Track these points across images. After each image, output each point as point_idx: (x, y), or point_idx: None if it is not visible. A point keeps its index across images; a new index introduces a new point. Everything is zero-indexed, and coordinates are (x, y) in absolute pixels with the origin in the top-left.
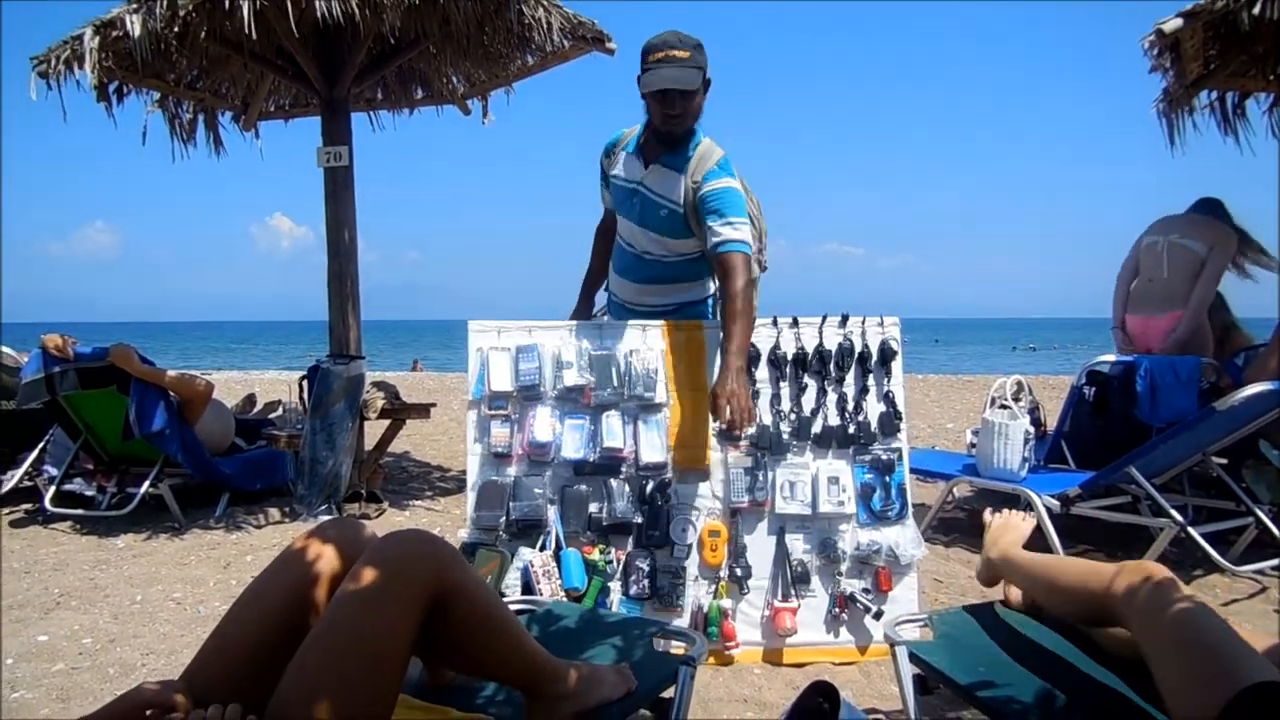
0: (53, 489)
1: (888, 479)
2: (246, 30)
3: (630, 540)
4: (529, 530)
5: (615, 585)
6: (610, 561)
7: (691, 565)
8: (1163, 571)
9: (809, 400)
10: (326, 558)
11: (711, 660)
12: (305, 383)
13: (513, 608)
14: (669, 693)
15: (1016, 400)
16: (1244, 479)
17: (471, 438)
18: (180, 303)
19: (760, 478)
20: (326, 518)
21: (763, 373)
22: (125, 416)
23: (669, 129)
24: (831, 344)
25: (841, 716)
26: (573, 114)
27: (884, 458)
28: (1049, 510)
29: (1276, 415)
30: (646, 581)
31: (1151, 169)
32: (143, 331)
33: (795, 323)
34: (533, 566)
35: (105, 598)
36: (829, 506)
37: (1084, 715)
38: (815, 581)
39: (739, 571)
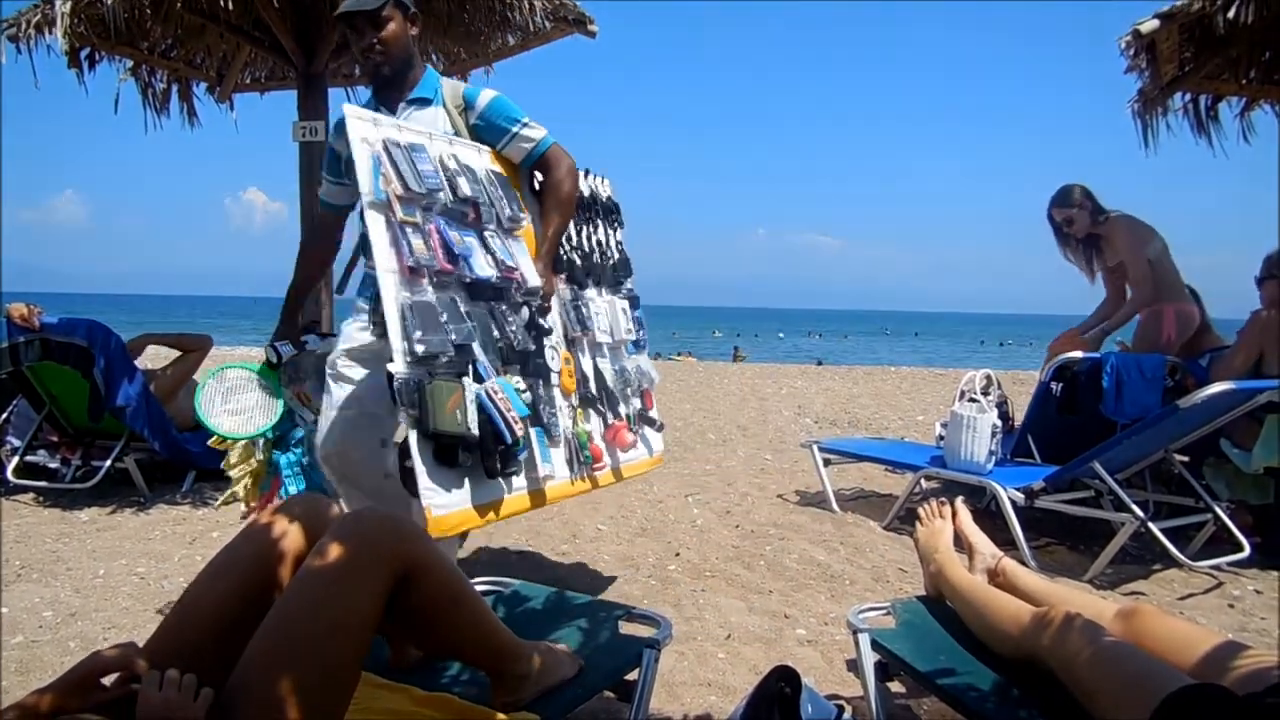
0: (15, 460)
1: (638, 314)
2: (222, 0)
3: (519, 370)
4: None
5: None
6: (523, 391)
7: (556, 393)
8: (1074, 612)
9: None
10: (291, 534)
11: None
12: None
13: (479, 588)
14: (633, 675)
15: (985, 394)
16: (1204, 476)
17: (384, 249)
18: (151, 276)
19: (583, 310)
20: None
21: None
22: (93, 395)
23: (369, 63)
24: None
25: (803, 701)
26: (553, 96)
27: (635, 294)
28: (1013, 503)
29: (1237, 414)
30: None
31: (1123, 168)
32: (111, 304)
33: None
34: (495, 394)
35: (67, 571)
36: (621, 335)
37: (1040, 703)
38: (621, 405)
39: (587, 396)
